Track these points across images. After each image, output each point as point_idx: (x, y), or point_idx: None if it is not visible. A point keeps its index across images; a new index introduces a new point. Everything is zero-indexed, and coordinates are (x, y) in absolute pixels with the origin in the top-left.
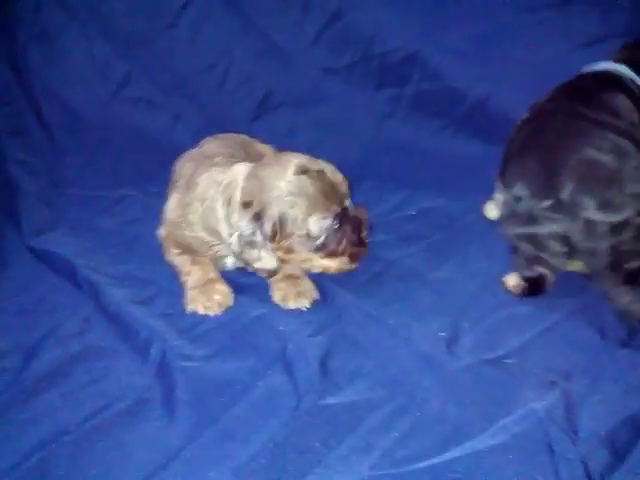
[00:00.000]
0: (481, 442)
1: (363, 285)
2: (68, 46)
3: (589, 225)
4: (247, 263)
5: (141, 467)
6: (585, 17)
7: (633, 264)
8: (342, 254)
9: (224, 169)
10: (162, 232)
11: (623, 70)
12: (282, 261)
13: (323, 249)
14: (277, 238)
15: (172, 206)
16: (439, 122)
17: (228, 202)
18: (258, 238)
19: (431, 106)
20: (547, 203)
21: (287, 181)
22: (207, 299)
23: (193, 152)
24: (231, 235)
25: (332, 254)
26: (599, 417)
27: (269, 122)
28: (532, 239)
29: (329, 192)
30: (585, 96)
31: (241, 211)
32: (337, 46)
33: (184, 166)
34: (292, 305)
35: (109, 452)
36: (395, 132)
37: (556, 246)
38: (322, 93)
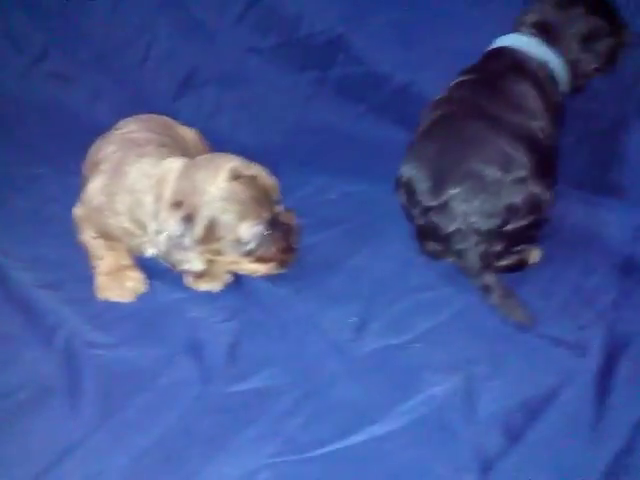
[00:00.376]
0: (382, 427)
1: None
2: None
3: (462, 230)
4: (172, 264)
5: (40, 458)
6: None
7: (503, 262)
8: (271, 260)
9: (156, 161)
10: (79, 212)
11: (530, 47)
12: (209, 262)
13: (252, 254)
14: (206, 241)
15: (95, 190)
16: (362, 106)
17: (158, 199)
18: (187, 241)
19: (355, 90)
20: (432, 203)
21: (219, 186)
22: (119, 286)
23: (117, 134)
24: (158, 233)
25: (261, 259)
26: (497, 402)
27: (192, 101)
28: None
29: (261, 198)
30: (487, 85)
31: (170, 211)
32: (261, 26)
33: (107, 149)
34: (204, 287)
35: (7, 443)
36: (318, 115)
37: (435, 244)
38: (246, 73)
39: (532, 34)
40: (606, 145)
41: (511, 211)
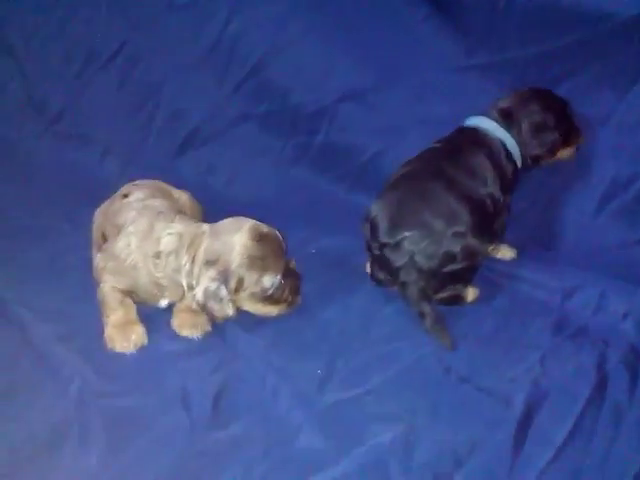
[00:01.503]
0: (335, 472)
1: (257, 323)
2: (3, 81)
3: (407, 266)
4: (209, 312)
5: None
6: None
7: (440, 295)
8: (284, 302)
9: (184, 226)
10: (103, 264)
11: (492, 128)
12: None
13: (270, 299)
14: (236, 292)
15: (128, 249)
16: (341, 170)
17: (192, 259)
18: (223, 292)
19: (335, 155)
20: (388, 241)
21: (245, 245)
22: (125, 338)
23: (132, 202)
24: (190, 287)
25: (275, 302)
26: (430, 450)
27: (191, 160)
28: (376, 259)
29: (278, 253)
30: (451, 153)
31: (205, 268)
32: (256, 95)
33: (128, 214)
34: (185, 333)
35: None
36: (302, 176)
37: (385, 274)
38: (240, 136)
39: (496, 119)
40: (546, 215)
41: (449, 257)
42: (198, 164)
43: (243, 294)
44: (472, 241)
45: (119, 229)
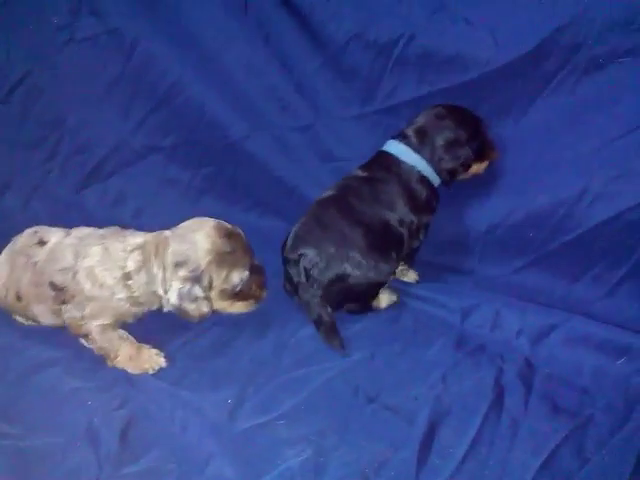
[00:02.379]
0: None
1: (170, 355)
2: None
3: (303, 282)
4: (184, 313)
5: None
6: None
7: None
8: (251, 297)
9: (141, 236)
10: (79, 314)
11: (404, 154)
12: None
13: (238, 295)
14: (207, 290)
15: (97, 285)
16: (249, 201)
17: (162, 266)
18: (197, 291)
19: (243, 187)
20: (290, 256)
21: (213, 242)
22: (141, 365)
23: (52, 245)
24: (166, 291)
25: (244, 298)
26: (339, 470)
27: (97, 191)
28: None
29: (244, 249)
30: (362, 180)
31: (174, 270)
32: (162, 128)
33: (65, 259)
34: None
35: None
36: (210, 206)
37: (290, 286)
38: (147, 167)
39: (407, 142)
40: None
41: (339, 277)
42: (104, 196)
43: (212, 293)
44: (364, 263)
45: (65, 275)
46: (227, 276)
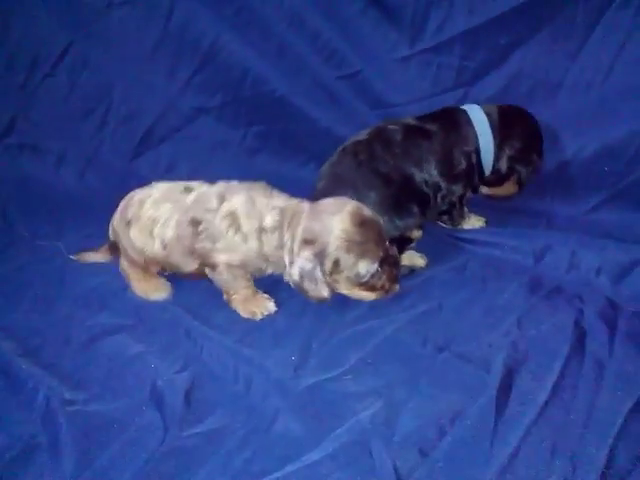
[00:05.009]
0: (316, 453)
1: (225, 319)
2: None
3: None
4: (303, 291)
5: None
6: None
7: None
8: (380, 289)
9: (284, 200)
10: (210, 245)
11: (480, 123)
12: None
13: (365, 285)
14: (331, 274)
15: (234, 226)
16: (303, 156)
17: (292, 237)
18: (318, 273)
19: (296, 142)
20: None
21: (346, 229)
22: (258, 306)
23: (203, 190)
24: (291, 264)
25: (371, 288)
26: (411, 422)
27: (150, 159)
28: None
29: (378, 240)
30: (395, 132)
31: (302, 246)
32: (209, 88)
33: (210, 199)
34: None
35: None
36: (265, 165)
37: None
38: (197, 130)
39: (490, 118)
40: None
41: None
42: (157, 163)
43: (339, 276)
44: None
45: (206, 214)
46: (353, 265)
